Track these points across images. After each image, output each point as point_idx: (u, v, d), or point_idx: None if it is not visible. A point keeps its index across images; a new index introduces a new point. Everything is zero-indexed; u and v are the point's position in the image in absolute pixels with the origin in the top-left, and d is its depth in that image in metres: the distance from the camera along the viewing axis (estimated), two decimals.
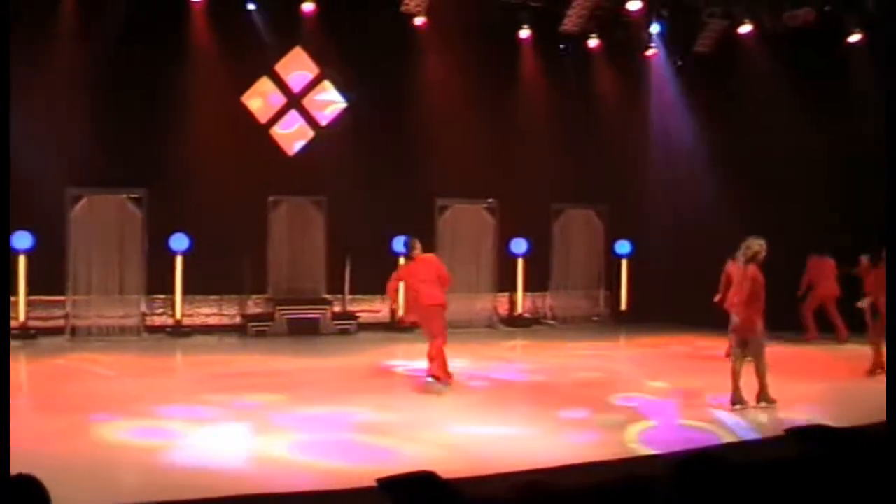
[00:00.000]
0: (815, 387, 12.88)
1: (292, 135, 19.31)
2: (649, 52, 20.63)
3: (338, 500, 7.32)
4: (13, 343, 16.17)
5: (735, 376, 11.32)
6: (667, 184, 20.37)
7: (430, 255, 13.64)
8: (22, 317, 16.86)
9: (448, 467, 4.57)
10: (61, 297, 17.21)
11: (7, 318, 6.49)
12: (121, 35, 16.96)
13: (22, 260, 16.75)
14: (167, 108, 17.41)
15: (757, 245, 11.36)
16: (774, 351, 12.11)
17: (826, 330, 17.23)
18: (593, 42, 20.39)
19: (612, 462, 8.36)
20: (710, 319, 17.07)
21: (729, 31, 19.71)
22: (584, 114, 20.23)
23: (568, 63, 20.54)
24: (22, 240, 16.69)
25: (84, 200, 17.26)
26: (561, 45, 20.46)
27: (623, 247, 20.57)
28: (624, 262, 20.69)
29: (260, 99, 19.11)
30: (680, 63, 20.67)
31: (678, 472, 3.54)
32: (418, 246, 13.12)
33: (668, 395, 12.57)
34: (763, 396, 11.37)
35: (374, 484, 4.15)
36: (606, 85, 20.60)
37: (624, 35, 20.25)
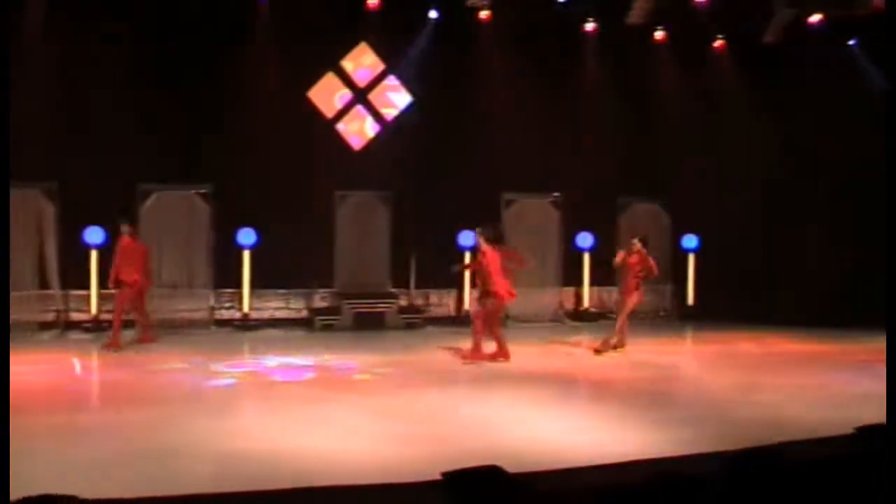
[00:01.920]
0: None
1: (358, 130, 19.42)
2: (715, 44, 20.45)
3: (402, 492, 7.36)
4: (85, 336, 16.51)
5: None
6: (735, 177, 20.14)
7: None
8: (94, 310, 17.19)
9: (509, 462, 4.58)
10: None
11: (7, 318, 6.58)
12: (188, 32, 17.18)
13: (94, 255, 17.04)
14: (234, 105, 17.58)
15: None
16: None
17: None
18: (659, 34, 20.25)
19: (668, 458, 8.32)
20: (778, 315, 16.91)
21: (798, 20, 19.44)
22: (650, 107, 20.09)
23: (633, 55, 20.41)
24: (94, 235, 16.99)
25: (153, 196, 17.50)
26: (625, 37, 20.34)
27: (690, 241, 20.38)
28: (691, 257, 20.51)
29: (326, 94, 19.23)
30: (747, 54, 20.46)
31: (732, 469, 3.52)
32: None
33: (731, 391, 12.45)
34: None
35: (438, 477, 4.19)
36: (672, 77, 20.41)
37: (690, 26, 20.07)
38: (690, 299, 20.55)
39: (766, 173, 19.73)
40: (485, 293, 14.61)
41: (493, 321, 14.61)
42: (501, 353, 14.47)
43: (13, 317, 15.78)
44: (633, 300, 15.66)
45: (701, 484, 3.66)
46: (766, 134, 19.85)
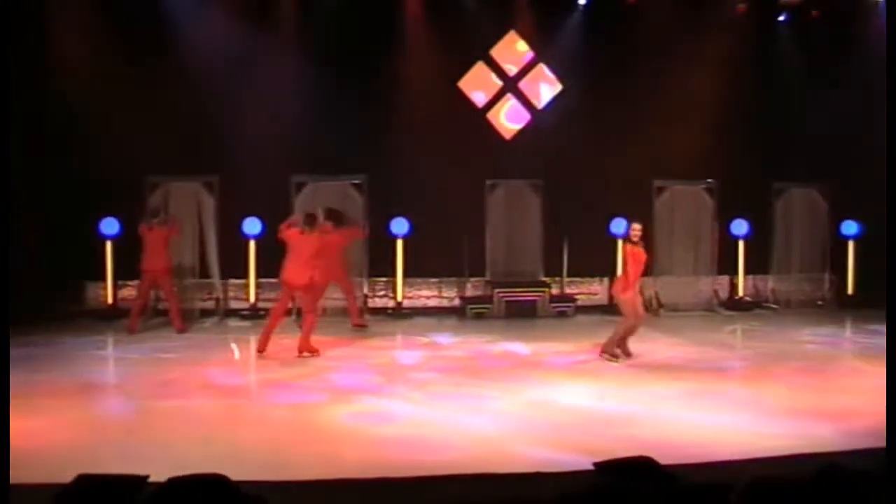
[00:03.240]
0: None
1: (509, 119, 19.46)
2: (875, 22, 19.74)
3: (553, 481, 7.37)
4: (244, 323, 16.99)
5: None
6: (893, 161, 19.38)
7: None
8: (252, 298, 17.69)
9: (662, 453, 4.55)
10: None
11: (7, 318, 6.81)
12: (337, 24, 17.52)
13: (252, 245, 17.54)
14: (385, 96, 17.85)
15: None
16: None
17: None
18: (814, 13, 19.68)
19: (827, 453, 8.12)
20: None
21: None
22: (805, 88, 19.53)
23: (788, 36, 19.89)
24: (252, 226, 17.48)
25: (308, 187, 17.87)
26: (780, 18, 19.85)
27: (850, 227, 19.77)
28: (850, 244, 19.90)
29: (476, 83, 19.33)
30: None
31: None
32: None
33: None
34: None
35: (590, 467, 4.19)
36: (829, 56, 19.78)
37: (847, 4, 19.44)
38: (850, 288, 19.95)
39: None
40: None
41: (277, 309, 14.15)
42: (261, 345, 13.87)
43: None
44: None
45: (868, 480, 3.57)
46: None
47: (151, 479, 4.17)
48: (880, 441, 8.20)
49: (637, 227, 13.51)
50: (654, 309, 18.71)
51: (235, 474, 4.07)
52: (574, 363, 13.54)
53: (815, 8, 19.59)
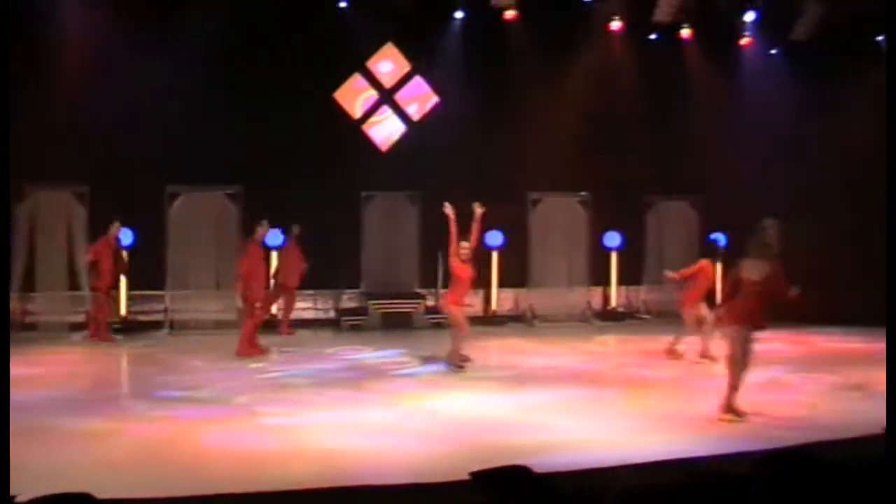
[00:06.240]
0: None
1: (384, 130, 19.46)
2: (743, 41, 20.31)
3: (430, 492, 7.37)
4: (116, 336, 16.58)
5: None
6: (763, 174, 19.92)
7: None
8: (123, 310, 17.32)
9: (539, 461, 4.58)
10: (161, 292, 17.64)
11: (7, 319, 6.63)
12: (210, 34, 17.24)
13: (124, 256, 17.17)
14: (261, 106, 17.68)
15: None
16: None
17: None
18: (685, 31, 20.15)
19: (700, 458, 8.29)
20: (813, 313, 16.71)
21: (827, 17, 19.21)
22: (676, 105, 19.97)
23: (659, 53, 20.32)
24: (125, 237, 17.12)
25: (182, 197, 17.60)
26: (652, 36, 20.25)
27: (718, 239, 20.22)
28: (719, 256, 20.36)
29: (352, 95, 19.29)
30: (774, 51, 20.29)
31: (765, 470, 3.50)
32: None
33: (765, 390, 12.35)
34: None
35: (466, 477, 4.18)
36: (699, 75, 20.28)
37: (717, 24, 19.96)
38: (718, 298, 20.40)
39: (798, 169, 19.49)
40: None
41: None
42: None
43: (45, 317, 15.97)
44: None
45: (738, 485, 3.64)
46: (798, 130, 19.62)
47: (19, 500, 4.03)
48: (748, 445, 8.43)
49: (465, 245, 13.93)
50: (529, 319, 18.92)
51: (105, 492, 3.97)
52: (448, 373, 13.55)
53: (686, 27, 20.02)
